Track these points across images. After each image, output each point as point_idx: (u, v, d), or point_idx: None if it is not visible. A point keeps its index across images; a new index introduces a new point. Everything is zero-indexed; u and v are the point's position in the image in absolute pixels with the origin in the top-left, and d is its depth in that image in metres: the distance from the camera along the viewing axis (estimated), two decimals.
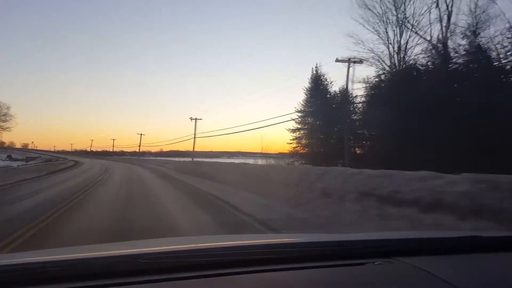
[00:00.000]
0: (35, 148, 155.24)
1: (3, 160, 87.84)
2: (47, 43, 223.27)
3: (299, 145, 31.76)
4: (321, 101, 30.13)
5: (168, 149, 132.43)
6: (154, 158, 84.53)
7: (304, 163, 29.87)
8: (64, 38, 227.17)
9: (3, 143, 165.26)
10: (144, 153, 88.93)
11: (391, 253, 1.40)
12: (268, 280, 1.21)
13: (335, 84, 31.89)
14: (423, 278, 1.21)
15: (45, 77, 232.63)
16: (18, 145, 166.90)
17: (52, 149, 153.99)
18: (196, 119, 47.26)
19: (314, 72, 31.55)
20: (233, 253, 1.38)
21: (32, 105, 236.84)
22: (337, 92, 29.01)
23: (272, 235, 5.46)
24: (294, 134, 32.10)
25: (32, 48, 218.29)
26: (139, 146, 75.90)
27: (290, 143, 32.07)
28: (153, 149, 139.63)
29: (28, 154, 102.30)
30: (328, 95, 30.16)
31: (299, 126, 31.87)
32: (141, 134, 75.18)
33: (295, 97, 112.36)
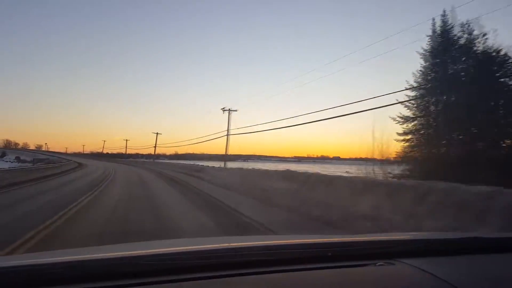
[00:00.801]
0: (47, 150, 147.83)
1: (12, 162, 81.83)
2: (61, 44, 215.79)
3: (414, 143, 18.55)
4: (455, 69, 17.29)
5: (183, 152, 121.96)
6: (173, 161, 72.85)
7: (416, 175, 17.23)
8: (77, 38, 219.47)
9: (16, 144, 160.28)
10: (158, 156, 76.87)
11: (393, 255, 1.35)
12: (270, 281, 1.15)
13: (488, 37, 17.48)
14: (425, 280, 1.16)
15: (58, 78, 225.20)
16: (32, 146, 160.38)
17: (64, 151, 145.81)
18: (230, 110, 34.78)
19: (440, 23, 18.64)
20: (235, 254, 1.30)
21: (47, 107, 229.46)
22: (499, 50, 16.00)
23: (273, 236, 4.79)
24: (405, 126, 18.89)
25: (47, 48, 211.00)
26: (155, 146, 63.68)
27: (403, 140, 18.77)
28: (168, 152, 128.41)
29: (37, 156, 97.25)
30: (478, 57, 17.05)
31: (413, 114, 18.71)
32: (157, 133, 63.05)
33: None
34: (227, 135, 34.04)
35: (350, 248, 1.46)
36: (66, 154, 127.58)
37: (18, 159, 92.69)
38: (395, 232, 3.93)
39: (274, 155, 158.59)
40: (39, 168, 26.69)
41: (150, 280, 1.08)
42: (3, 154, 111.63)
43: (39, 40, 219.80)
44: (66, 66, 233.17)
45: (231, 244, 1.48)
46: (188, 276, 1.12)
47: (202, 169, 24.91)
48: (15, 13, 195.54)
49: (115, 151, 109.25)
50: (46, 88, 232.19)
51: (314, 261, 1.28)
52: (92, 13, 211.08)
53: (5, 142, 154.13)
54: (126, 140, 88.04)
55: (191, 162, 49.83)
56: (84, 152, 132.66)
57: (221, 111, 34.66)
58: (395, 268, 1.26)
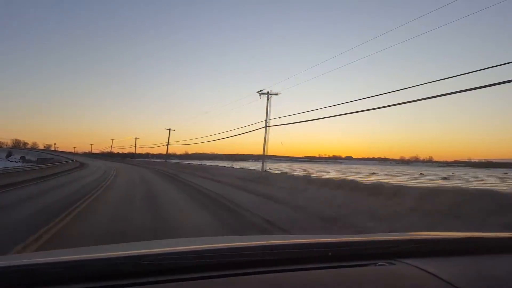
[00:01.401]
0: (55, 149, 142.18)
1: (16, 162, 76.13)
2: (70, 44, 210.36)
3: None
4: None
5: (192, 151, 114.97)
6: (187, 161, 64.93)
7: None
8: (85, 36, 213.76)
9: (25, 143, 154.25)
10: (169, 155, 68.96)
11: (394, 254, 1.31)
12: (270, 281, 1.12)
13: None
14: (426, 280, 1.13)
15: (66, 77, 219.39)
16: (41, 146, 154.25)
17: (72, 151, 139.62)
18: (268, 94, 26.51)
19: None
20: (237, 254, 1.26)
21: (56, 106, 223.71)
22: None
23: (274, 236, 4.71)
24: None
25: (56, 48, 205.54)
26: (167, 144, 55.70)
27: None
28: (178, 152, 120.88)
29: (42, 156, 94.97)
30: None
31: None
32: (169, 129, 55.03)
33: None
34: (266, 126, 25.80)
35: (350, 248, 1.41)
36: (74, 154, 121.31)
37: (23, 158, 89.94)
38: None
39: (284, 154, 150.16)
40: (27, 170, 21.40)
41: (151, 279, 1.06)
42: (9, 154, 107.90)
43: (48, 41, 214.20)
44: (73, 65, 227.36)
45: (231, 244, 1.46)
46: (189, 275, 1.10)
47: (265, 177, 13.70)
48: (21, 13, 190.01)
49: (125, 151, 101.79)
50: (55, 87, 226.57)
51: (315, 261, 1.25)
52: (97, 9, 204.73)
53: (14, 141, 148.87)
54: (135, 138, 79.87)
55: (207, 163, 42.81)
56: (93, 152, 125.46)
57: (258, 94, 26.51)
58: (396, 268, 1.23)
